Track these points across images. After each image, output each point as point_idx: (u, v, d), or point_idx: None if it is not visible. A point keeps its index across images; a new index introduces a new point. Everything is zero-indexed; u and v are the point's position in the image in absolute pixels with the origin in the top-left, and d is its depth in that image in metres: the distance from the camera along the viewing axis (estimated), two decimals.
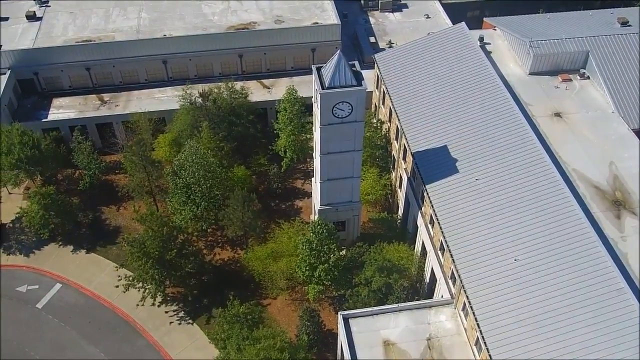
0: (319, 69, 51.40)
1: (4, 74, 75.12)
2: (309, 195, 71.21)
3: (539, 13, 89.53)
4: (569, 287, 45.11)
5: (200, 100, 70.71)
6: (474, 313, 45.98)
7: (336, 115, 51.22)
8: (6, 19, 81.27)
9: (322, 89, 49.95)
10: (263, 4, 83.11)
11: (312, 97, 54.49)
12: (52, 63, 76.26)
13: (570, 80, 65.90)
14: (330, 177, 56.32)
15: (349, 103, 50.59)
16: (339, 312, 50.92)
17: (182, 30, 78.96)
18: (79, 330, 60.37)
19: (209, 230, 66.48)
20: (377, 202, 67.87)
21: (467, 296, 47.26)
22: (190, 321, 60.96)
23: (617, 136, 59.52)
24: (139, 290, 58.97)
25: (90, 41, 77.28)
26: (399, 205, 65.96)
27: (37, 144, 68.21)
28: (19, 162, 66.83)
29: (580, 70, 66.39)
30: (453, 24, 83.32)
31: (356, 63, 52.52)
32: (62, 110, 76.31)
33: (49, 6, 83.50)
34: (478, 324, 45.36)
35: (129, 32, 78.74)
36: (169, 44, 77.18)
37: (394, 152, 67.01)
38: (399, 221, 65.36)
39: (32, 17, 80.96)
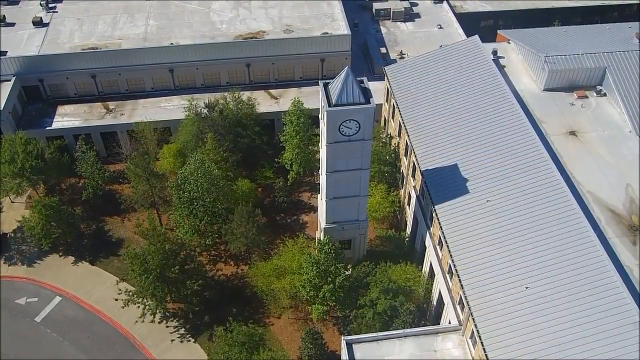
0: (326, 85, 49.79)
1: (9, 80, 74.15)
2: (314, 209, 69.67)
3: (554, 24, 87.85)
4: (582, 319, 43.23)
5: (205, 111, 69.42)
6: (482, 343, 44.22)
7: (343, 133, 49.65)
8: (12, 24, 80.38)
9: (329, 106, 48.37)
10: (272, 13, 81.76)
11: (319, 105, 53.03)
12: (57, 70, 75.29)
13: (586, 97, 63.92)
14: (336, 196, 54.76)
15: (356, 121, 48.99)
16: (343, 337, 49.28)
17: (189, 38, 77.73)
18: (77, 345, 59.22)
19: (211, 245, 65.06)
20: (385, 218, 66.23)
21: (475, 324, 45.52)
22: (191, 338, 59.61)
23: (634, 156, 57.42)
24: (139, 307, 57.57)
25: (97, 48, 76.23)
26: (407, 223, 64.25)
27: (41, 153, 67.19)
28: (22, 171, 65.78)
29: (597, 86, 64.39)
30: (466, 34, 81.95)
31: (365, 79, 50.82)
32: (66, 118, 75.27)
33: (57, 12, 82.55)
34: (486, 355, 43.56)
35: (136, 40, 77.61)
36: (176, 52, 75.97)
37: (403, 169, 65.34)
38: (406, 239, 63.66)
39: (38, 22, 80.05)
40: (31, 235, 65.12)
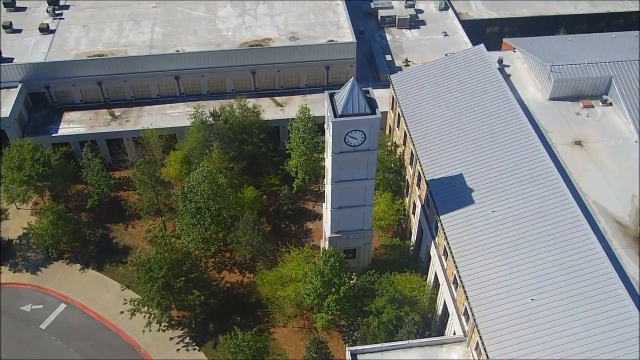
0: (331, 96, 49.77)
1: (15, 87, 74.43)
2: (319, 217, 69.67)
3: (559, 32, 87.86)
4: (588, 332, 43.12)
5: (211, 119, 69.57)
6: (487, 355, 44.11)
7: (348, 143, 49.61)
8: (19, 31, 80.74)
9: (335, 116, 48.37)
10: (278, 20, 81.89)
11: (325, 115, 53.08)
12: (63, 77, 75.50)
13: (592, 106, 63.80)
14: (341, 205, 54.72)
15: (362, 131, 48.96)
16: (347, 348, 49.28)
17: (195, 45, 77.90)
18: (82, 353, 59.31)
19: (217, 253, 65.24)
20: (390, 226, 66.19)
21: (480, 336, 45.41)
22: (196, 347, 59.59)
23: None
24: (144, 316, 57.58)
25: (103, 55, 76.48)
26: (412, 232, 64.18)
27: (47, 160, 67.34)
28: (29, 178, 65.89)
29: (603, 96, 64.25)
30: (472, 42, 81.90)
31: (370, 89, 50.74)
32: (72, 124, 75.45)
33: (63, 19, 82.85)
34: None
35: (142, 47, 77.81)
36: (182, 59, 76.10)
37: (408, 177, 65.30)
38: (411, 248, 63.60)
39: (45, 29, 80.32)
40: (40, 243, 65.09)
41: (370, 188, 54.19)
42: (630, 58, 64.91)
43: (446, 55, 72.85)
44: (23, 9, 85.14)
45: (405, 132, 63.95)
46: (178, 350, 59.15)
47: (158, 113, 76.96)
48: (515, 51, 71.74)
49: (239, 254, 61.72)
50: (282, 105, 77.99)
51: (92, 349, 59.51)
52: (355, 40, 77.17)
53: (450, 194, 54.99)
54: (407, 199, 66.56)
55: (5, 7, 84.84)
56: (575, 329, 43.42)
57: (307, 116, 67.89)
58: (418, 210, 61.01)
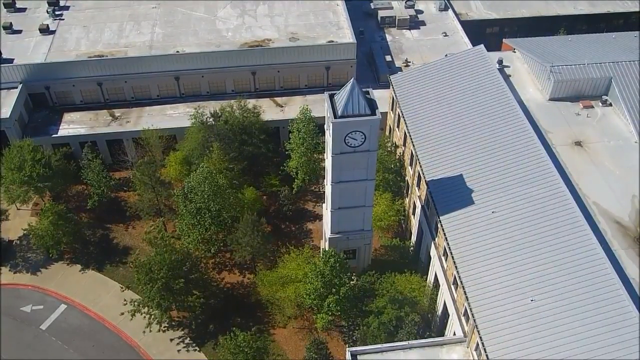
0: (331, 97, 49.79)
1: (16, 88, 74.48)
2: (319, 217, 69.72)
3: (559, 32, 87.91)
4: (588, 332, 43.15)
5: (211, 120, 69.64)
6: (487, 356, 44.13)
7: (348, 144, 49.64)
8: (19, 32, 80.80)
9: (335, 117, 48.39)
10: (278, 21, 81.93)
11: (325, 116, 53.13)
12: (64, 78, 75.57)
13: (592, 107, 63.84)
14: (341, 206, 54.74)
15: (362, 132, 48.98)
16: (347, 349, 49.32)
17: (195, 46, 77.94)
18: (82, 353, 59.37)
19: (217, 253, 65.26)
20: (390, 227, 66.21)
21: (480, 337, 45.45)
22: (196, 347, 59.64)
23: None
24: (144, 317, 57.63)
25: (103, 56, 76.53)
26: (412, 232, 64.22)
27: (48, 161, 67.38)
28: (30, 179, 65.91)
29: (603, 96, 64.30)
30: (471, 42, 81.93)
31: (370, 89, 50.75)
32: (72, 125, 75.49)
33: (63, 19, 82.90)
34: None
35: (142, 48, 77.86)
36: (182, 60, 76.14)
37: (408, 178, 65.35)
38: (411, 248, 63.65)
39: (45, 30, 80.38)
40: (40, 243, 65.05)
41: (370, 189, 54.21)
42: (630, 58, 64.97)
43: (446, 55, 72.87)
44: (23, 9, 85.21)
45: (405, 132, 64.00)
46: (179, 351, 59.20)
47: (158, 114, 77.02)
48: (515, 52, 71.80)
49: (239, 255, 61.78)
50: (282, 106, 78.05)
51: (93, 350, 59.56)
52: (355, 41, 77.22)
53: (451, 194, 55.04)
54: (407, 200, 66.61)
55: (5, 7, 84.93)
56: (575, 329, 43.45)
57: (307, 117, 68.01)
58: (418, 210, 61.06)
